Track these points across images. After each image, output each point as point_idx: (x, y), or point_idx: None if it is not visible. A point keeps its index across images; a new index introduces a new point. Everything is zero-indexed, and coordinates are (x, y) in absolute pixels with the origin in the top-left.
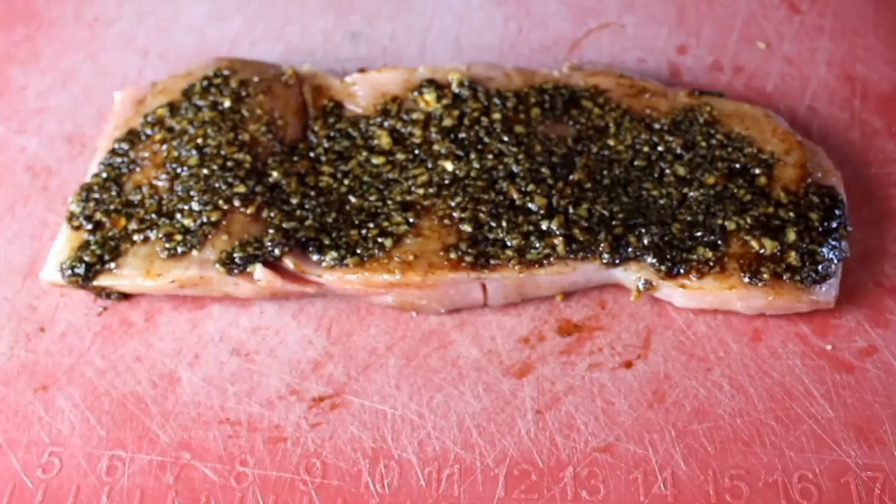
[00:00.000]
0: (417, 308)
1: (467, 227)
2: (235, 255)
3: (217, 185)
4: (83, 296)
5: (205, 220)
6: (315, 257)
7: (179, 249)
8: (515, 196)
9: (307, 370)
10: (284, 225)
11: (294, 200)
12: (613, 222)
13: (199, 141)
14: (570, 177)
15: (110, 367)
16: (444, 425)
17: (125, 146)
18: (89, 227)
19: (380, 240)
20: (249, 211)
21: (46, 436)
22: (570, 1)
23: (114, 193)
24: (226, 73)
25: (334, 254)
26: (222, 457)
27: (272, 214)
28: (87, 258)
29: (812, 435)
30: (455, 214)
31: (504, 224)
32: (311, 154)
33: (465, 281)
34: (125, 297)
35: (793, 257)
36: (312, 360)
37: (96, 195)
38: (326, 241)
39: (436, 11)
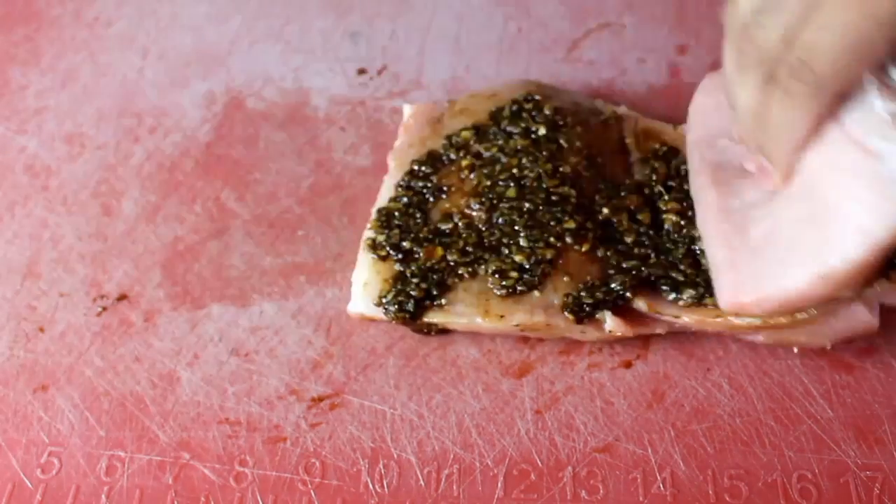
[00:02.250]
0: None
1: None
2: (583, 300)
3: (544, 219)
4: (82, 296)
5: (539, 258)
6: (670, 297)
7: (518, 289)
8: None
9: (306, 370)
10: (624, 265)
11: (628, 239)
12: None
13: (515, 171)
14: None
15: (109, 367)
16: (443, 425)
17: (426, 169)
18: (398, 256)
19: None
20: (584, 249)
21: (46, 436)
22: (570, 1)
23: (419, 220)
24: (537, 97)
25: (692, 291)
26: (221, 457)
27: (608, 253)
28: (413, 293)
29: (811, 435)
30: None
31: None
32: (645, 191)
33: None
34: (124, 297)
35: None
36: (312, 360)
37: (398, 221)
38: (680, 278)
39: (436, 11)
